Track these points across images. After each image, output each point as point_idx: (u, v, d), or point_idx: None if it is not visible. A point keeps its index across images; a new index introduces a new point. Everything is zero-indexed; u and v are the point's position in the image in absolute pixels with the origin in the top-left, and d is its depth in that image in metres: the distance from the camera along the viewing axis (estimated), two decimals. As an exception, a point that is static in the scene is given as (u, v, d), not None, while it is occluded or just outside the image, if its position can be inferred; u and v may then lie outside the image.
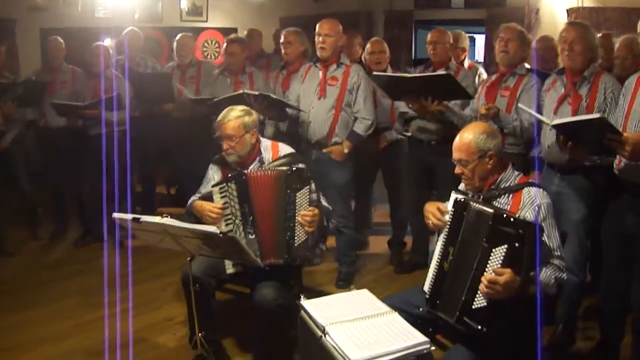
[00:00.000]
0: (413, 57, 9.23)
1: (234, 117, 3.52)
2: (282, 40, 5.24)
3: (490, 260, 2.56)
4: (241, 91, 4.77)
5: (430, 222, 2.95)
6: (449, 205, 2.86)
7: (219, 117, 3.57)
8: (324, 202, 3.60)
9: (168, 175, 7.49)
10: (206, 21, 9.89)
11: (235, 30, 9.50)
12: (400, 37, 9.03)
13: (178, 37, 6.24)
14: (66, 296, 4.78)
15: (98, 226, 5.50)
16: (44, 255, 5.76)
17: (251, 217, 3.38)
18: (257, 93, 4.71)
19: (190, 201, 3.65)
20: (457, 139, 2.94)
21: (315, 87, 4.71)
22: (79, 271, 5.25)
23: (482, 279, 2.54)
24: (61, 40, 5.91)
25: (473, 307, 2.59)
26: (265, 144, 3.73)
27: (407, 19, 9.24)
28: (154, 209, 6.49)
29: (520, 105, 3.85)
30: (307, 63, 4.97)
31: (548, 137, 3.63)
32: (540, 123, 3.62)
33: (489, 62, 7.79)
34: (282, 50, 5.26)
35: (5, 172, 5.64)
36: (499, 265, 2.52)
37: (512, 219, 2.56)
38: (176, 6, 9.63)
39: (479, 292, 2.57)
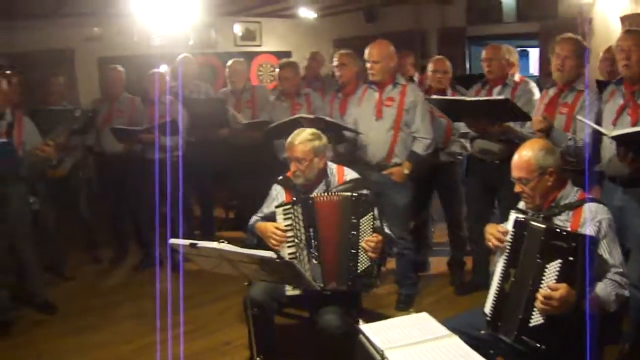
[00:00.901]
0: (467, 74, 9.11)
1: (305, 140, 3.51)
2: (335, 62, 5.22)
3: (544, 276, 2.52)
4: (297, 116, 4.77)
5: (491, 243, 2.88)
6: (509, 226, 2.80)
7: (289, 139, 3.56)
8: (387, 229, 3.54)
9: (226, 199, 7.52)
10: (260, 45, 9.98)
11: (289, 53, 9.56)
12: (454, 54, 8.93)
13: (229, 63, 6.30)
14: (124, 320, 4.83)
15: (155, 251, 5.61)
16: (102, 279, 5.85)
17: (315, 242, 3.35)
18: (312, 117, 4.69)
19: (252, 221, 3.65)
20: (515, 157, 2.89)
21: (372, 108, 4.65)
22: (137, 295, 5.29)
23: (537, 295, 2.49)
24: (121, 69, 6.04)
25: (530, 325, 2.55)
26: (331, 167, 3.70)
27: (459, 36, 9.16)
28: (213, 233, 6.51)
29: (578, 117, 3.73)
30: (362, 84, 4.92)
31: (608, 150, 3.52)
32: (599, 136, 3.52)
33: (544, 76, 7.62)
34: (336, 73, 5.23)
35: (65, 198, 5.76)
36: (554, 281, 2.47)
37: (563, 233, 2.51)
38: (230, 32, 9.76)
39: (535, 309, 2.51)
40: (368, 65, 4.61)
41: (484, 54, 4.80)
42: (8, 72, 4.98)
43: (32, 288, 5.01)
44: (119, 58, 7.44)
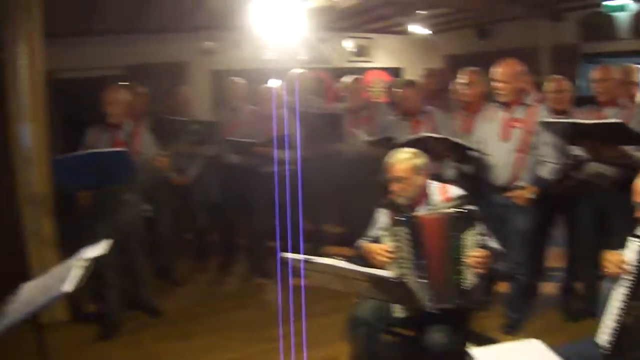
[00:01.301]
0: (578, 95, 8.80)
1: (404, 159, 3.46)
2: (462, 80, 5.12)
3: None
4: (422, 134, 4.70)
5: (609, 271, 2.73)
6: (631, 254, 2.66)
7: (389, 159, 3.51)
8: (495, 244, 3.42)
9: (337, 215, 7.49)
10: (371, 61, 9.99)
11: (400, 70, 9.52)
12: (566, 72, 8.64)
13: (348, 80, 6.29)
14: (229, 329, 4.88)
15: (266, 262, 5.69)
16: (211, 287, 5.96)
17: (422, 261, 3.27)
18: (437, 136, 4.61)
19: (359, 244, 3.60)
20: (637, 180, 2.73)
21: (498, 129, 4.50)
22: (244, 305, 5.36)
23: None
24: (241, 82, 6.15)
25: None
26: (434, 185, 3.61)
27: (573, 53, 8.84)
28: (322, 248, 6.50)
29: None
30: (488, 103, 4.79)
31: None
32: None
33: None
34: (462, 91, 5.13)
35: (183, 205, 5.92)
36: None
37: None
38: (342, 47, 9.80)
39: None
40: (496, 84, 4.49)
41: (594, 74, 4.59)
42: (127, 83, 5.15)
43: (141, 291, 5.15)
44: (231, 71, 7.57)
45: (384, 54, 10.12)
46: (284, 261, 3.17)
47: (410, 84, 5.66)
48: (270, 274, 5.74)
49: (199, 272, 6.31)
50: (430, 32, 8.96)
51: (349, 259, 3.06)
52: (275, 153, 5.32)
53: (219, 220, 6.41)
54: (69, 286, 2.37)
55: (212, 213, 6.33)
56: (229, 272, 6.25)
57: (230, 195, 6.09)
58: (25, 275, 5.17)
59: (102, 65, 7.99)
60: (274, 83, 6.34)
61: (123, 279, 4.93)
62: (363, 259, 3.44)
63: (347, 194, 6.28)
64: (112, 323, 4.81)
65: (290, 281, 5.12)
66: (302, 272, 3.17)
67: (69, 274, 2.52)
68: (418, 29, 8.88)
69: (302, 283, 5.10)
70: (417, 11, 7.97)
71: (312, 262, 2.98)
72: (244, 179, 5.82)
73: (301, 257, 3.06)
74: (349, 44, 9.84)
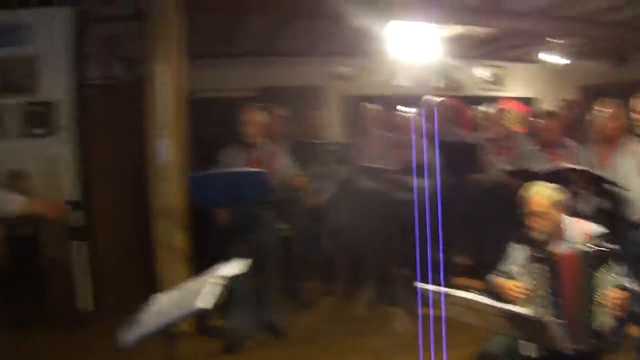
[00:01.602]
0: None
1: (544, 193, 3.36)
2: (603, 112, 4.97)
3: None
4: (562, 165, 4.61)
5: None
6: None
7: (527, 192, 3.44)
8: (633, 285, 3.30)
9: (468, 245, 7.39)
10: (504, 90, 9.84)
11: (532, 99, 9.33)
12: None
13: (488, 109, 6.26)
14: (354, 353, 4.86)
15: (393, 289, 5.67)
16: (337, 310, 5.94)
17: (558, 300, 3.17)
18: (578, 167, 4.51)
19: (490, 277, 3.54)
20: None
21: (636, 163, 4.36)
22: (370, 330, 5.30)
23: None
24: (375, 108, 6.23)
25: None
26: (569, 220, 3.50)
27: None
28: (450, 278, 6.38)
29: None
30: (627, 136, 4.63)
31: None
32: None
33: None
34: (602, 123, 4.98)
35: (314, 227, 6.03)
36: None
37: None
38: (476, 75, 9.72)
39: None
40: (636, 116, 4.34)
41: None
42: (264, 105, 5.33)
43: (268, 310, 5.22)
44: (364, 97, 7.61)
45: (517, 83, 9.91)
46: (419, 291, 3.19)
47: (552, 115, 5.55)
48: (397, 302, 5.69)
49: (326, 295, 6.33)
50: (565, 61, 8.73)
51: (480, 293, 3.05)
52: (410, 180, 5.32)
53: (348, 244, 6.41)
54: (204, 302, 2.45)
55: (341, 236, 6.36)
56: (356, 297, 6.19)
57: (360, 219, 6.08)
58: (153, 286, 5.49)
59: (237, 87, 8.24)
60: (408, 110, 6.38)
61: (252, 296, 5.03)
62: (494, 294, 3.40)
63: (480, 225, 6.16)
64: (237, 339, 4.93)
65: (428, 310, 5.18)
66: (436, 302, 3.18)
67: (205, 291, 2.55)
68: (553, 58, 8.68)
69: (432, 312, 5.10)
70: (551, 40, 7.81)
71: (450, 294, 2.98)
72: (375, 204, 5.81)
73: (438, 288, 3.07)
74: (482, 72, 9.74)
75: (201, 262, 5.27)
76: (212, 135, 5.63)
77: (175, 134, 5.11)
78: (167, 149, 5.06)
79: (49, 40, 5.87)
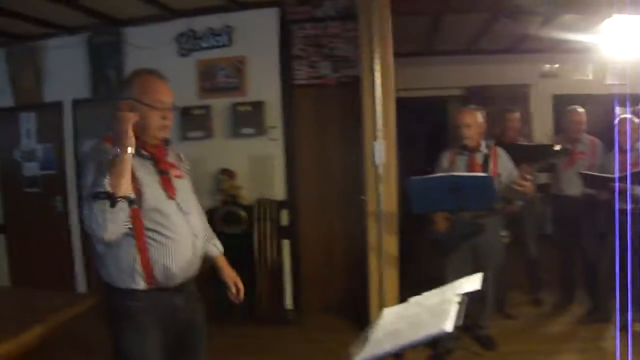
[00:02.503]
0: None
1: None
2: None
3: None
4: None
5: None
6: None
7: None
8: None
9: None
10: None
11: None
12: None
13: None
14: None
15: (608, 305, 5.23)
16: (542, 324, 5.60)
17: None
18: None
19: None
20: None
21: None
22: (580, 350, 4.93)
23: None
24: (581, 110, 5.79)
25: None
26: None
27: None
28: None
29: None
30: None
31: None
32: None
33: None
34: None
35: (515, 235, 5.68)
36: None
37: None
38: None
39: None
40: None
41: None
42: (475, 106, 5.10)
43: (479, 320, 5.03)
44: (573, 96, 7.29)
45: None
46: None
47: None
48: (609, 318, 5.26)
49: (530, 305, 6.05)
50: None
51: None
52: (636, 190, 4.87)
53: (552, 253, 6.06)
54: (449, 325, 2.23)
55: (544, 244, 6.07)
56: (565, 309, 5.86)
57: (569, 227, 5.73)
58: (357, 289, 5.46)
59: (441, 86, 8.20)
60: (622, 111, 5.89)
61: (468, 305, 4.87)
62: None
63: None
64: (444, 348, 4.77)
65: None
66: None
67: (451, 311, 2.35)
68: None
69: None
70: None
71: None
72: (586, 211, 5.49)
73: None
74: None
75: (408, 267, 5.25)
76: (415, 135, 5.49)
77: (389, 136, 5.05)
78: (383, 150, 4.98)
79: (256, 41, 6.05)
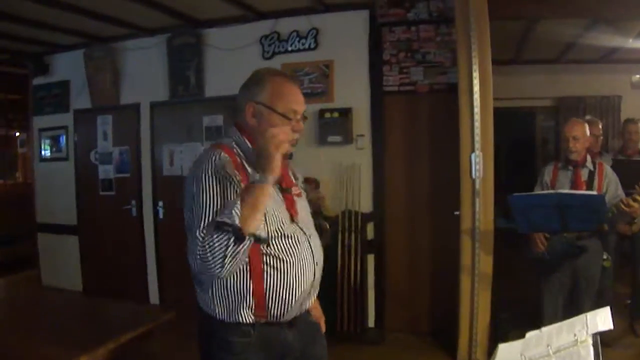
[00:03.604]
0: None
1: None
2: None
3: None
4: None
5: None
6: None
7: None
8: None
9: None
10: None
11: None
12: None
13: None
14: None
15: None
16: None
17: None
18: None
19: None
20: None
21: None
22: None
23: None
24: None
25: None
26: None
27: None
28: None
29: None
30: None
31: None
32: None
33: None
34: None
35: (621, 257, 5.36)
36: None
37: None
38: None
39: None
40: None
41: None
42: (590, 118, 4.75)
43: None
44: None
45: None
46: None
47: None
48: None
49: (630, 334, 5.54)
50: None
51: None
52: None
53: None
54: None
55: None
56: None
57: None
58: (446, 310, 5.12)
59: (531, 96, 7.98)
60: None
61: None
62: None
63: None
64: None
65: None
66: None
67: (581, 356, 2.00)
68: None
69: None
70: None
71: None
72: None
73: None
74: None
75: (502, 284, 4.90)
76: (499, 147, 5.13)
77: (485, 147, 4.71)
78: (481, 163, 4.66)
79: (344, 45, 5.79)
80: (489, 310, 4.80)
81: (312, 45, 5.87)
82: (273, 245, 2.18)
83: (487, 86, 4.74)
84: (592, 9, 5.33)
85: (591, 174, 4.41)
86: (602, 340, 4.44)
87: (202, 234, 1.96)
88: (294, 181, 2.49)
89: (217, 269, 1.95)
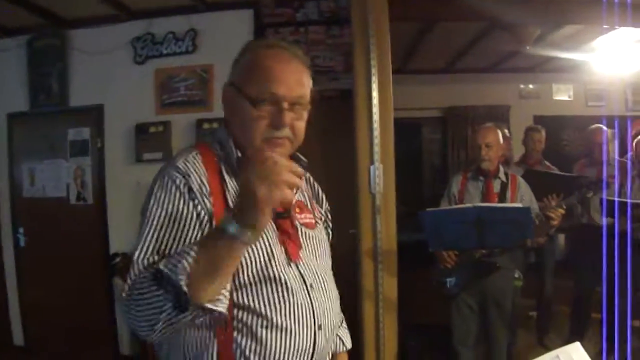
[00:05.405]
0: None
1: None
2: None
3: None
4: None
5: None
6: None
7: None
8: None
9: None
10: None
11: None
12: None
13: None
14: None
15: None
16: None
17: None
18: None
19: None
20: None
21: None
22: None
23: None
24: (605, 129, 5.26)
25: None
26: None
27: None
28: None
29: None
30: None
31: None
32: None
33: None
34: None
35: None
36: None
37: None
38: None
39: None
40: None
41: None
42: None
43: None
44: (553, 117, 7.41)
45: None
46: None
47: None
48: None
49: (537, 348, 5.29)
50: None
51: None
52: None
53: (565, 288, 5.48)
54: None
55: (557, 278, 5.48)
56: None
57: (584, 260, 5.09)
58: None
59: (416, 106, 7.77)
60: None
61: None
62: None
63: None
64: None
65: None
66: None
67: None
68: None
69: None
70: None
71: None
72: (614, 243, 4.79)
73: None
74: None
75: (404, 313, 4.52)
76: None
77: (385, 158, 4.25)
78: (381, 176, 4.21)
79: (225, 47, 5.23)
80: (396, 337, 4.33)
81: (190, 48, 5.27)
82: (250, 293, 1.47)
83: (387, 93, 4.28)
84: (492, 11, 5.17)
85: (504, 186, 4.10)
86: (512, 355, 4.16)
87: (136, 270, 1.36)
88: (308, 206, 1.79)
89: (144, 331, 1.33)
